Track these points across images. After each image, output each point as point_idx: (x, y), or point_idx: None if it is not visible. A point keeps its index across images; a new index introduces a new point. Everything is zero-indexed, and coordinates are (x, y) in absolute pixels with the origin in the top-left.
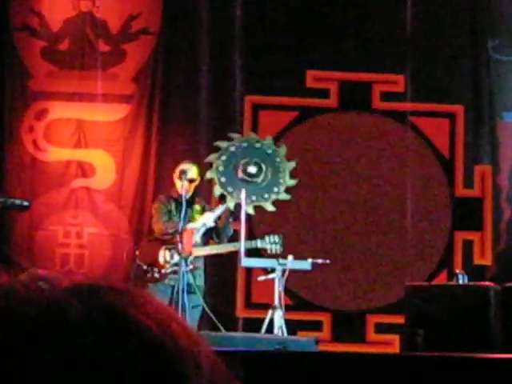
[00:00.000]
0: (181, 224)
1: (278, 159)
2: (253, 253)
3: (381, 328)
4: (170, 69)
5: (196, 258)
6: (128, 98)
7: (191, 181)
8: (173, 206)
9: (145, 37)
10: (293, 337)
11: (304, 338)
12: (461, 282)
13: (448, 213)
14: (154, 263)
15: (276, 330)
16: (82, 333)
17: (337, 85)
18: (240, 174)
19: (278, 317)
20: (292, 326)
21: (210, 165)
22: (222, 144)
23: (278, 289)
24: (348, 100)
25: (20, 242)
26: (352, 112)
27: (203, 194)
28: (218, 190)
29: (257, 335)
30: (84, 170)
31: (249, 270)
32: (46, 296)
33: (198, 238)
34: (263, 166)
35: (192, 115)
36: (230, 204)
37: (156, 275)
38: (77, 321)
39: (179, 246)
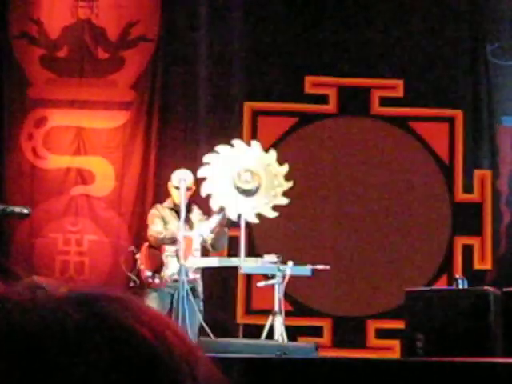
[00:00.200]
0: (180, 232)
1: (268, 163)
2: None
3: (381, 333)
4: (168, 75)
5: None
6: (127, 105)
7: (188, 189)
8: (169, 215)
9: (143, 44)
10: (293, 343)
11: (304, 344)
12: (461, 286)
13: (448, 218)
14: (157, 270)
15: (276, 336)
16: (77, 341)
17: (335, 90)
18: (235, 184)
19: (279, 323)
20: (292, 332)
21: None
22: (210, 157)
23: (278, 295)
24: (347, 105)
25: (20, 250)
26: (351, 117)
27: (200, 202)
28: (215, 203)
29: (257, 341)
30: (83, 177)
31: (249, 277)
32: (42, 304)
33: (197, 245)
34: (255, 171)
35: (191, 122)
36: (232, 215)
37: (157, 281)
38: (72, 329)
39: (180, 253)
